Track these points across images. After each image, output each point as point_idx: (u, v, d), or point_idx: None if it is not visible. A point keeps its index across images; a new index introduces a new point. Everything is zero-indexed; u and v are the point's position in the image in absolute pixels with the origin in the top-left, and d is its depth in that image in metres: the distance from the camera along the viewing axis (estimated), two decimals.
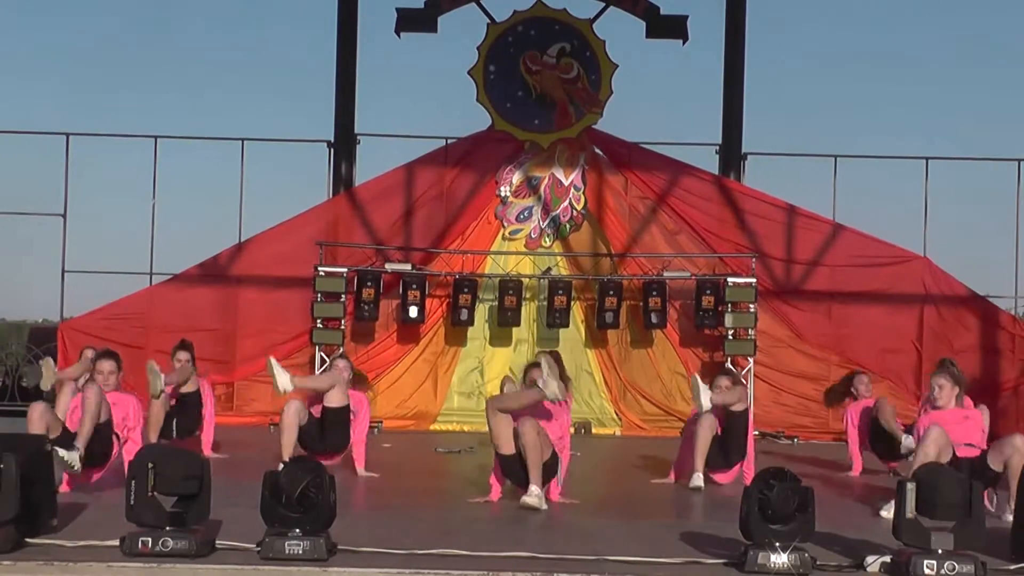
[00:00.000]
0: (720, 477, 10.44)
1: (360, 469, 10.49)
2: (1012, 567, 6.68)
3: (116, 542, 6.57)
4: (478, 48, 17.19)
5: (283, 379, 10.12)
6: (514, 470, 8.65)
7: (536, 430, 8.50)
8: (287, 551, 6.44)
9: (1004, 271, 17.62)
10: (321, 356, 16.02)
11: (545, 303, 16.61)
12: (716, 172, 17.33)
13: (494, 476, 8.99)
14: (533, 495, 8.46)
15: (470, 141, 17.25)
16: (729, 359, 16.30)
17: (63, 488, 8.56)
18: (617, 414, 16.62)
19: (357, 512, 8.36)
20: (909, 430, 10.81)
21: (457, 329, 16.71)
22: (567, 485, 9.11)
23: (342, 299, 16.08)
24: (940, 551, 6.36)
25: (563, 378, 8.90)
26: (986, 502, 9.89)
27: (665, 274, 16.50)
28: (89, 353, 11.18)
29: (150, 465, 6.64)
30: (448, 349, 16.88)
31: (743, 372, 16.10)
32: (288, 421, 10.25)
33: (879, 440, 11.55)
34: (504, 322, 16.47)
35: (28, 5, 35.72)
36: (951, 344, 16.41)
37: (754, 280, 16.23)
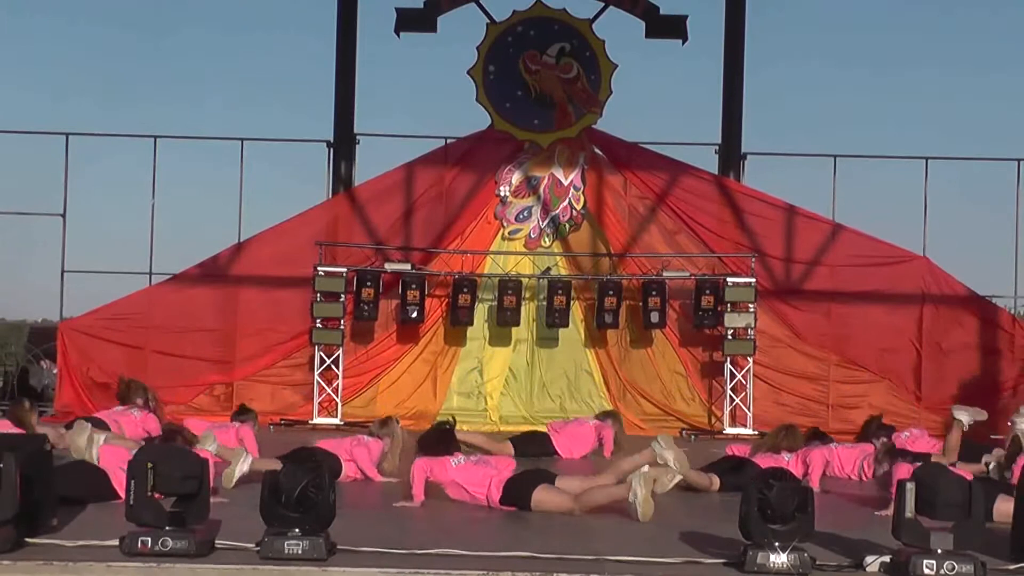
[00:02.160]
0: None
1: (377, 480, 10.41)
2: (1012, 567, 6.69)
3: (116, 542, 6.58)
4: (478, 48, 17.18)
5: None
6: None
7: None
8: (286, 551, 6.44)
9: (1004, 271, 17.64)
10: (320, 356, 16.02)
11: (544, 303, 16.60)
12: (716, 172, 17.33)
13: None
14: None
15: (470, 141, 17.25)
16: (729, 359, 16.31)
17: None
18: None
19: (357, 512, 8.36)
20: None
21: (456, 329, 16.70)
22: None
23: (342, 299, 16.08)
24: (940, 551, 6.36)
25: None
26: None
27: (664, 274, 16.49)
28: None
29: (149, 465, 6.64)
30: (448, 349, 16.87)
31: (743, 372, 16.12)
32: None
33: None
34: (504, 322, 16.46)
35: (28, 5, 35.74)
36: (950, 343, 16.42)
37: (753, 280, 16.23)
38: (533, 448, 12.62)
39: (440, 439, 9.34)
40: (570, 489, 8.77)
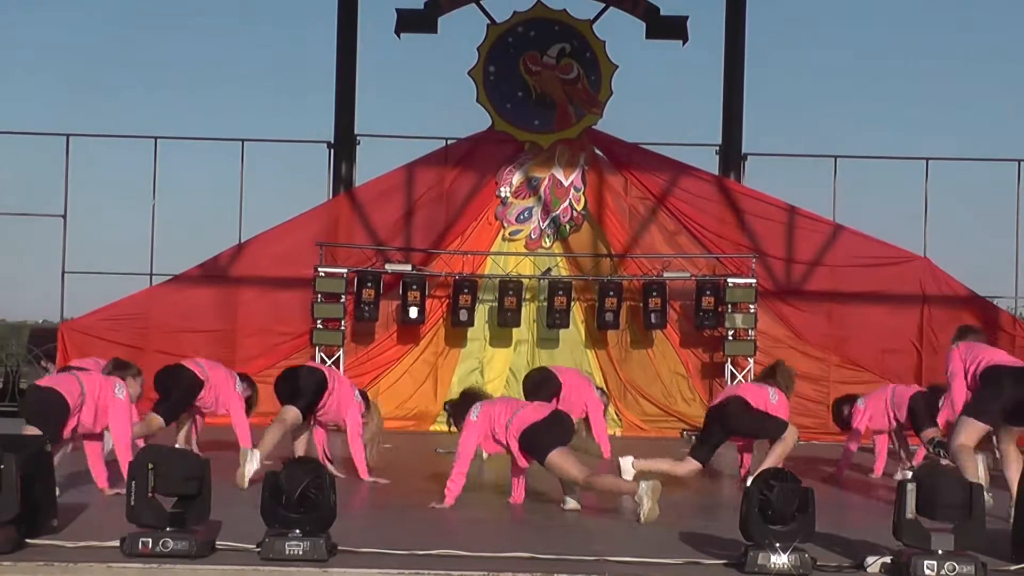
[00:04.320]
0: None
1: (365, 477, 10.47)
2: (1012, 567, 6.68)
3: (116, 543, 6.58)
4: (478, 49, 17.19)
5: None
6: None
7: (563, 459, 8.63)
8: (287, 552, 6.44)
9: (1004, 271, 17.66)
10: (321, 356, 16.02)
11: (545, 304, 16.60)
12: (716, 173, 17.33)
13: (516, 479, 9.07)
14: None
15: (470, 142, 17.25)
16: (729, 359, 16.31)
17: None
18: (617, 415, 16.60)
19: (357, 513, 8.36)
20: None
21: (457, 330, 16.71)
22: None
23: (342, 300, 16.08)
24: (940, 552, 6.36)
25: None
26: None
27: (665, 275, 16.50)
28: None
29: (150, 466, 6.64)
30: (448, 350, 16.88)
31: (744, 372, 16.12)
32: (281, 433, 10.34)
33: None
34: (504, 323, 16.46)
35: (28, 5, 35.80)
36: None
37: (754, 281, 16.23)
38: (542, 394, 12.34)
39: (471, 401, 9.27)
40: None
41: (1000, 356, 8.82)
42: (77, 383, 9.05)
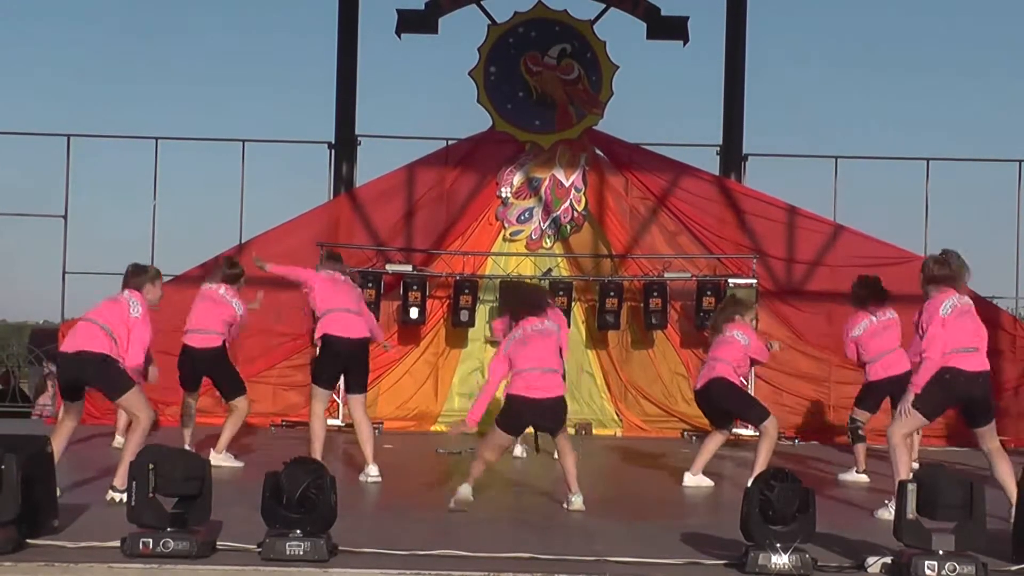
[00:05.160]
0: None
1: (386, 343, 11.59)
2: (1013, 568, 6.69)
3: (117, 543, 6.59)
4: (479, 49, 17.18)
5: None
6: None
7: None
8: (288, 552, 6.45)
9: (1004, 272, 17.65)
10: None
11: None
12: (717, 173, 17.33)
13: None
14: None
15: (471, 142, 17.24)
16: None
17: None
18: (618, 415, 16.61)
19: (358, 513, 8.37)
20: None
21: (458, 330, 16.70)
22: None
23: None
24: (941, 552, 6.36)
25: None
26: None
27: (666, 275, 16.49)
28: None
29: (151, 466, 6.65)
30: (449, 350, 16.87)
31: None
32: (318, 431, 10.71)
33: None
34: None
35: (29, 6, 35.84)
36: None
37: (755, 281, 16.23)
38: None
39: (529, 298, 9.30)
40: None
41: (966, 339, 8.54)
42: (96, 327, 8.86)
